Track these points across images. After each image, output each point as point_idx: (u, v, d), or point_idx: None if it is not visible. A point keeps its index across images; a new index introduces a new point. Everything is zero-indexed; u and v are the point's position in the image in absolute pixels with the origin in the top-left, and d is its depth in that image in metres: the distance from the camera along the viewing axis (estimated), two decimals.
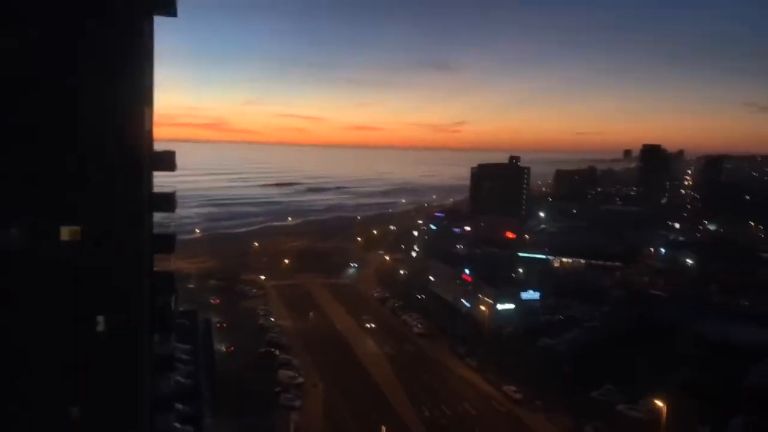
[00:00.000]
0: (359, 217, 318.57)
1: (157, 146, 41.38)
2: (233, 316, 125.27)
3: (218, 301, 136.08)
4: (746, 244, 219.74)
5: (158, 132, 42.66)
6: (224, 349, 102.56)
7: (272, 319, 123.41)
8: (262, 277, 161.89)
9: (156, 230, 41.39)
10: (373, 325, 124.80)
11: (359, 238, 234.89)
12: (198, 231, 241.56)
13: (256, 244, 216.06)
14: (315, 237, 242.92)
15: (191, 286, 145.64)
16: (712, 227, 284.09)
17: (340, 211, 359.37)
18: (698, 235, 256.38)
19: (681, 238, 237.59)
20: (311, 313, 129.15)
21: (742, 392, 69.64)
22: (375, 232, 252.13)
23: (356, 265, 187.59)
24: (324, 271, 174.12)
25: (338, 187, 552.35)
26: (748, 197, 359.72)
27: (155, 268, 42.06)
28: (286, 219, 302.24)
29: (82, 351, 34.08)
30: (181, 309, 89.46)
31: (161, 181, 40.86)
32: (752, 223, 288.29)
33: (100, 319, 34.18)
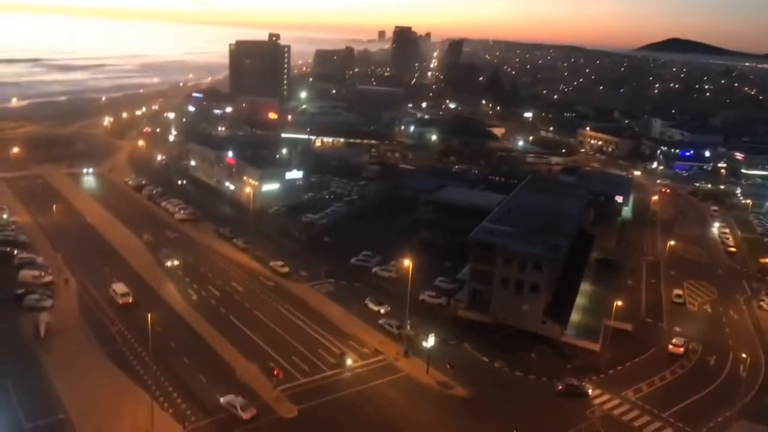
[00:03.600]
0: (104, 99, 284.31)
1: None
2: None
3: None
4: (478, 120, 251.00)
5: None
6: None
7: (5, 216, 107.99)
8: None
9: None
10: (129, 214, 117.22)
11: (106, 123, 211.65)
12: None
13: None
14: (51, 122, 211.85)
15: None
16: (452, 105, 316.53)
17: (82, 92, 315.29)
18: (440, 113, 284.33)
19: (426, 116, 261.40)
20: (55, 207, 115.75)
21: (468, 245, 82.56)
22: (125, 115, 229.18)
23: (105, 153, 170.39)
24: (66, 161, 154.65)
25: (70, 66, 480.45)
26: (481, 78, 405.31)
27: None
28: (10, 101, 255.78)
29: None
30: None
31: None
32: (484, 102, 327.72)
33: None
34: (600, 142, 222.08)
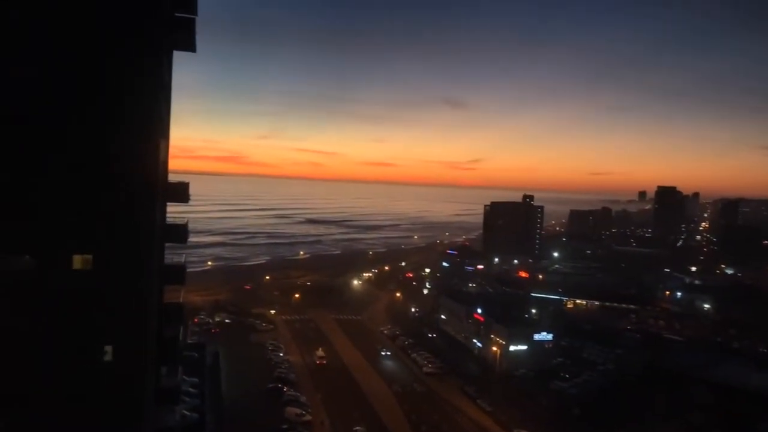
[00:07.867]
0: (371, 253, 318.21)
1: (174, 177, 42.25)
2: (242, 350, 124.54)
3: (217, 330, 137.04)
4: (764, 288, 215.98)
5: (175, 164, 43.78)
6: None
7: (281, 354, 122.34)
8: (272, 311, 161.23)
9: (168, 261, 41.74)
10: (382, 362, 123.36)
11: (371, 274, 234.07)
12: (210, 263, 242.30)
13: (268, 277, 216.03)
14: (327, 272, 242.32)
15: (201, 318, 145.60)
16: (729, 271, 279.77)
17: (352, 246, 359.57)
18: (715, 279, 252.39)
19: (697, 282, 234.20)
20: (320, 349, 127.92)
21: None
22: (387, 268, 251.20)
23: (367, 301, 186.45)
24: (334, 307, 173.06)
25: (349, 223, 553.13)
26: (765, 242, 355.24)
27: (165, 299, 42.20)
28: (298, 253, 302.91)
29: (88, 381, 33.97)
30: (189, 341, 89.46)
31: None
32: None
33: (108, 349, 34.17)
34: None
